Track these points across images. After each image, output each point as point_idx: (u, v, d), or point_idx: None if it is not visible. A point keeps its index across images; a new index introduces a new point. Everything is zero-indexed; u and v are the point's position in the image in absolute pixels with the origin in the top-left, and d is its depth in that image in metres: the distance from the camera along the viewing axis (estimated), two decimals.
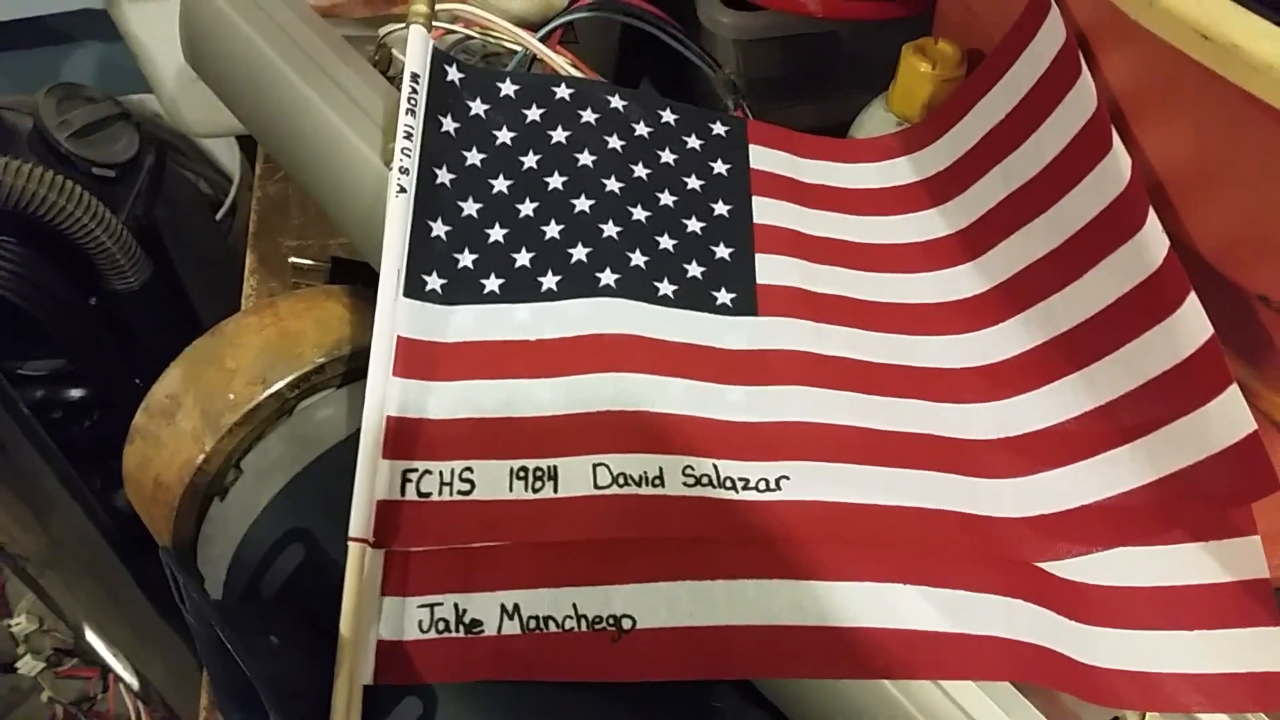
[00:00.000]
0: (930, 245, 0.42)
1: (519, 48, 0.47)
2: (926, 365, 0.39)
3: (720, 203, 0.42)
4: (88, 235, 0.72)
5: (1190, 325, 0.32)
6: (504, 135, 0.41)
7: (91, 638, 0.88)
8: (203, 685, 0.53)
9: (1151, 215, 0.33)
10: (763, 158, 0.44)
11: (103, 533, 0.81)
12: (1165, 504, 0.33)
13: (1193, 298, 0.31)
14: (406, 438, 0.34)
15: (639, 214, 0.41)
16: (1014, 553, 0.34)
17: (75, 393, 0.82)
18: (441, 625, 0.32)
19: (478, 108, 0.42)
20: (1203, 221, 0.33)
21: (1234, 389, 0.31)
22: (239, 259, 0.63)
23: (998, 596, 0.33)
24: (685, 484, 0.34)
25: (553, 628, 0.31)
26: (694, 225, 0.41)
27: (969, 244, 0.41)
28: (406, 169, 0.38)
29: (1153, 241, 0.32)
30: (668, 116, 0.44)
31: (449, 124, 0.41)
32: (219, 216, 0.95)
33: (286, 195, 0.65)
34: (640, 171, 0.42)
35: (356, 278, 0.47)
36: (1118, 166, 0.34)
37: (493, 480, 0.34)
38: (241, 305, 0.60)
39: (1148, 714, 0.33)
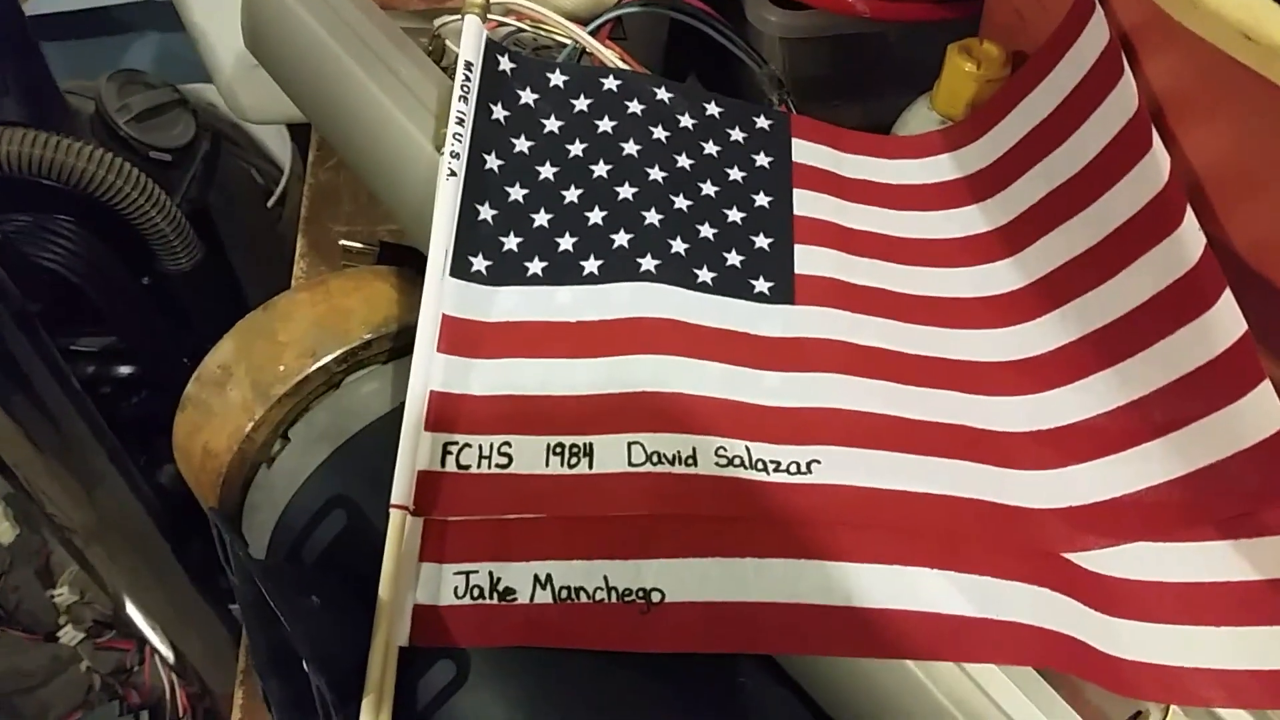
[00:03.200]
0: (969, 241, 0.43)
1: (569, 41, 0.48)
2: (961, 358, 0.39)
3: (761, 194, 0.43)
4: (142, 216, 0.73)
5: (1224, 322, 0.32)
6: (552, 124, 0.42)
7: (131, 610, 0.89)
8: (238, 659, 0.54)
9: (1189, 214, 0.33)
10: (805, 152, 0.45)
11: (147, 508, 0.82)
12: (1195, 499, 0.33)
13: (1227, 295, 0.32)
14: (449, 411, 0.35)
15: (681, 203, 0.41)
16: (1042, 543, 0.34)
17: (125, 370, 0.83)
18: (476, 592, 0.32)
19: (527, 97, 0.42)
20: (1241, 222, 0.33)
21: (1266, 385, 0.31)
22: (288, 246, 0.65)
23: (1023, 584, 0.33)
24: (718, 464, 0.34)
25: (584, 598, 0.32)
26: (735, 215, 0.42)
27: (1008, 240, 0.41)
28: (457, 153, 0.39)
29: (1189, 240, 0.33)
30: (712, 109, 0.44)
31: (499, 112, 0.42)
32: (269, 204, 0.97)
33: (338, 183, 0.67)
34: (684, 162, 0.42)
35: (403, 262, 0.48)
36: (1157, 166, 0.34)
37: (530, 455, 0.35)
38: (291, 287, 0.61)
39: (1171, 707, 0.33)
